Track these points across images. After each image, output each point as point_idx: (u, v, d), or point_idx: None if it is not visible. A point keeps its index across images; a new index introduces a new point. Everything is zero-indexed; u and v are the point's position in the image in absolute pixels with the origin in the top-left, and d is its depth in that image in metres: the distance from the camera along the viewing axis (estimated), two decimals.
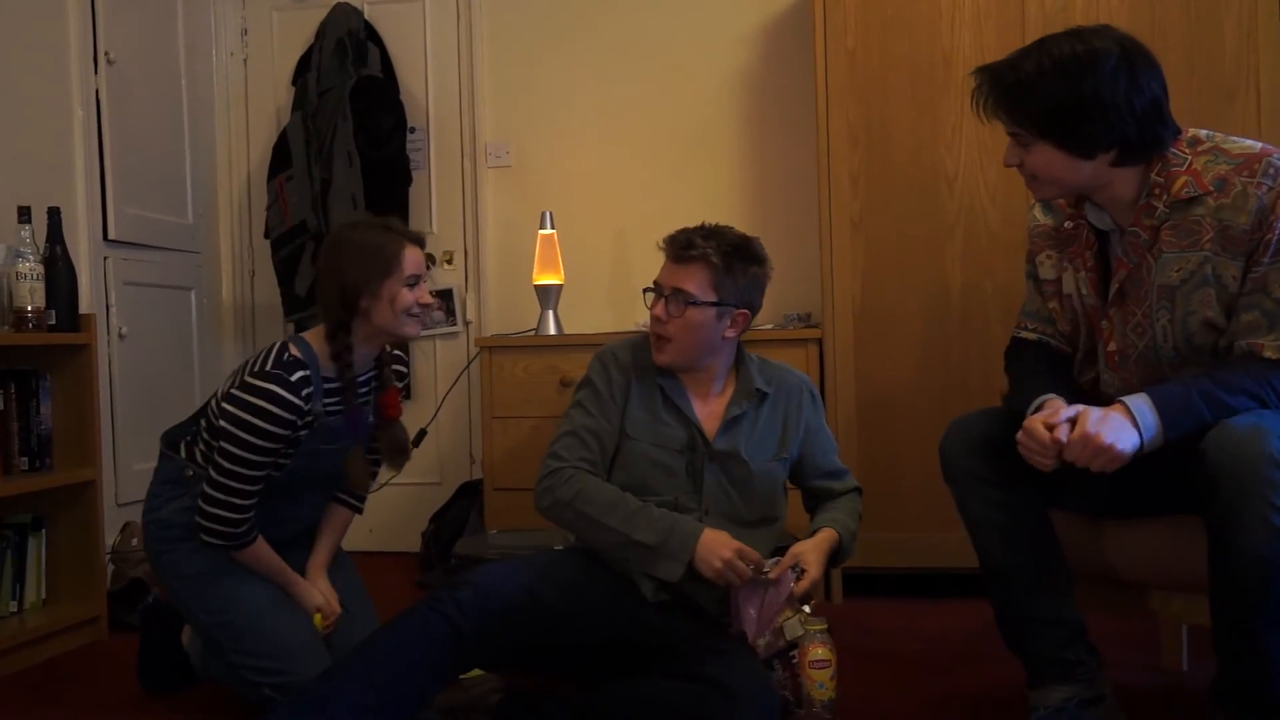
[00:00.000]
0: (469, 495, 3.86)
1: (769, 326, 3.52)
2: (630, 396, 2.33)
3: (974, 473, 2.03)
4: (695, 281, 2.27)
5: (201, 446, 2.36)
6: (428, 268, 4.10)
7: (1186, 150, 1.89)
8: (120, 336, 3.74)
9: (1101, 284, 2.01)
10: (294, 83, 4.20)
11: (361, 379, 2.39)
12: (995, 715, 2.31)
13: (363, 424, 2.35)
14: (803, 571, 2.20)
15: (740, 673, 2.04)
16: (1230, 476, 1.71)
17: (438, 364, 4.23)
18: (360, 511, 2.60)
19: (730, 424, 2.32)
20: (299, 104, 4.12)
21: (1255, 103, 3.06)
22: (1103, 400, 2.00)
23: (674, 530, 2.18)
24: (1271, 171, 1.83)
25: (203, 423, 2.37)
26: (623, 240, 4.05)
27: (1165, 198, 1.89)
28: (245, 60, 4.39)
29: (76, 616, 3.06)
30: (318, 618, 2.40)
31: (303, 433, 2.27)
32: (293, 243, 4.03)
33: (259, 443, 2.21)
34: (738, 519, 2.30)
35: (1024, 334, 2.17)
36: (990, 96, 1.92)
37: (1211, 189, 1.86)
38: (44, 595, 3.12)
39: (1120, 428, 1.79)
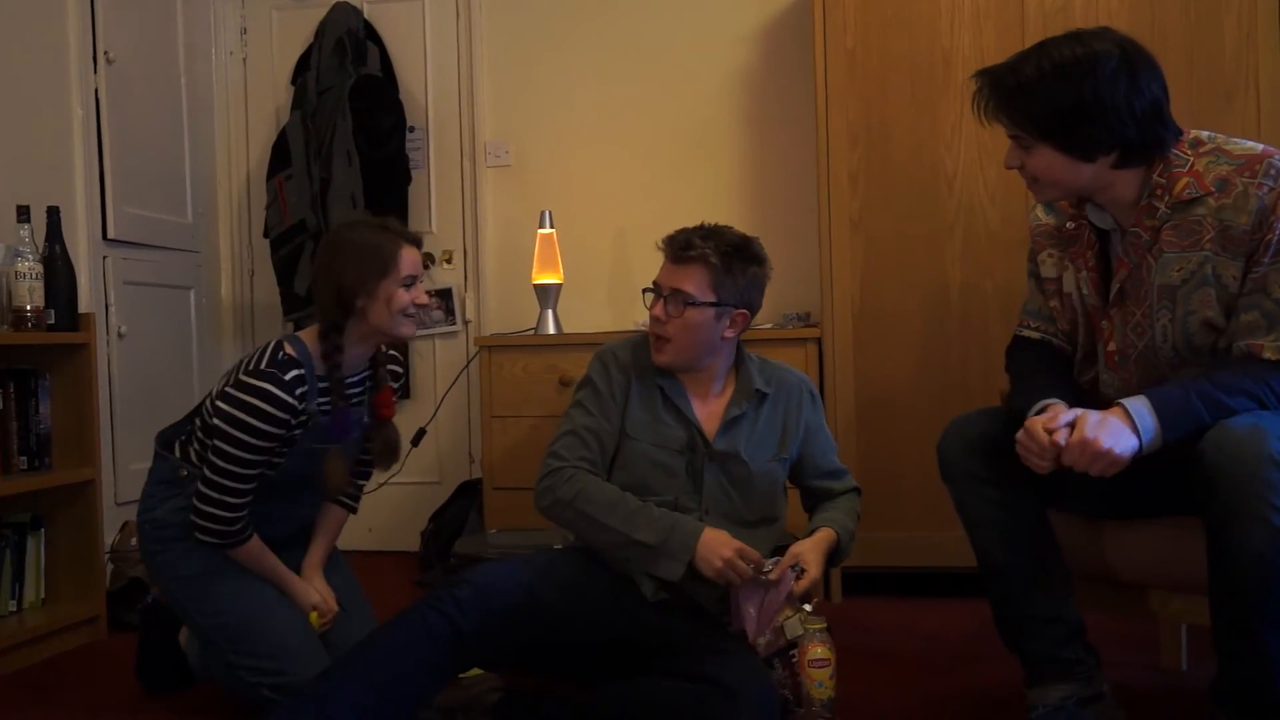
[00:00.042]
0: (468, 494, 3.86)
1: (768, 326, 3.53)
2: (630, 396, 2.33)
3: (972, 472, 2.03)
4: (694, 282, 2.26)
5: (196, 446, 2.36)
6: (426, 267, 4.15)
7: (1188, 152, 1.90)
8: (119, 336, 3.74)
9: (1102, 284, 2.02)
10: (293, 82, 4.20)
11: (356, 379, 2.39)
12: (994, 714, 2.31)
13: (349, 425, 2.34)
14: (802, 571, 2.20)
15: (740, 672, 2.04)
16: (1229, 477, 1.71)
17: (437, 363, 4.23)
18: (354, 511, 2.60)
19: (730, 424, 2.32)
20: (298, 103, 4.12)
21: (1255, 102, 3.06)
22: (1102, 400, 2.01)
23: (674, 530, 2.18)
24: (1273, 172, 1.83)
25: (197, 422, 2.37)
26: (622, 239, 4.05)
27: (1167, 199, 1.89)
28: (244, 59, 4.39)
29: (76, 616, 3.06)
30: (314, 615, 2.40)
31: (297, 432, 2.27)
32: (292, 242, 4.03)
33: (253, 441, 2.21)
34: (738, 519, 2.30)
35: (1026, 332, 2.18)
36: (991, 99, 1.92)
37: (1213, 189, 1.86)
38: (43, 595, 3.12)
39: (1118, 432, 1.79)
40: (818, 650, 2.14)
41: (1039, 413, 1.90)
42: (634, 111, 4.06)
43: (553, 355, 3.56)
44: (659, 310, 2.30)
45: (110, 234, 3.70)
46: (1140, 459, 1.81)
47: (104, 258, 3.69)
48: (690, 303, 2.26)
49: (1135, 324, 1.96)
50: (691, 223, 2.34)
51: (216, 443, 2.23)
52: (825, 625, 2.17)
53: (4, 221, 3.08)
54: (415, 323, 2.35)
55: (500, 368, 3.59)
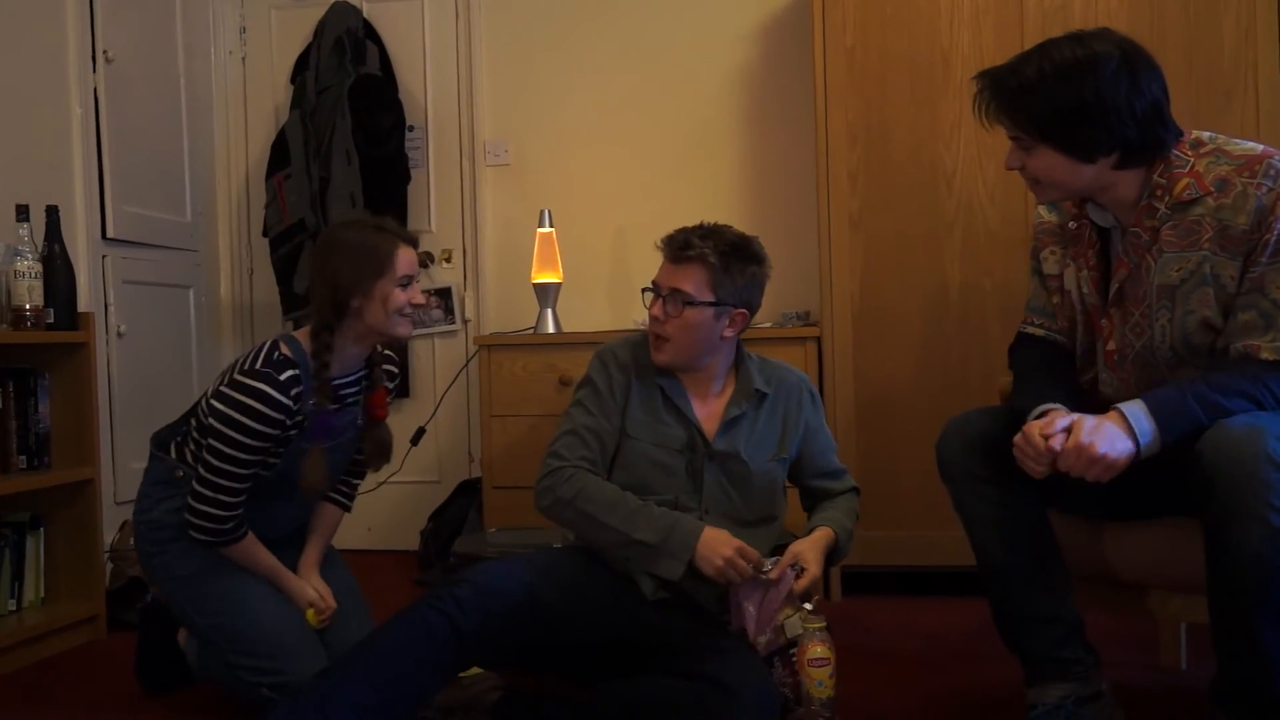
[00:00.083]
0: (468, 493, 3.86)
1: (768, 325, 3.53)
2: (630, 396, 2.33)
3: (971, 471, 2.03)
4: (693, 281, 2.26)
5: (192, 446, 2.35)
6: (425, 266, 4.17)
7: (1189, 152, 1.90)
8: (119, 335, 3.74)
9: (1103, 283, 2.02)
10: (292, 81, 4.20)
11: (352, 379, 2.39)
12: (994, 713, 2.31)
13: (332, 425, 2.32)
14: (802, 570, 2.20)
15: (740, 671, 2.05)
16: (1227, 477, 1.72)
17: (436, 362, 4.23)
18: (348, 509, 2.60)
19: (729, 424, 2.32)
20: (297, 102, 4.12)
21: (1254, 102, 3.07)
22: (1101, 399, 2.01)
23: (675, 529, 2.18)
24: (1272, 173, 1.83)
25: (193, 422, 2.37)
26: (621, 238, 4.05)
27: (1167, 199, 1.89)
28: (244, 59, 4.39)
29: (75, 615, 3.06)
30: (310, 613, 2.40)
31: (292, 432, 2.27)
32: (291, 241, 4.02)
33: (248, 441, 2.21)
34: (737, 518, 2.30)
35: (1030, 329, 2.18)
36: (992, 101, 1.92)
37: (1212, 190, 1.86)
38: (43, 594, 3.12)
39: (1114, 437, 1.79)
40: (817, 649, 2.14)
41: (1038, 417, 1.90)
42: (633, 111, 4.06)
43: (552, 354, 3.56)
44: (658, 310, 2.29)
45: (109, 233, 3.70)
46: (1139, 461, 1.81)
47: (103, 257, 3.69)
48: (689, 302, 2.26)
49: (1134, 323, 1.96)
50: (691, 222, 2.34)
51: (211, 442, 2.23)
52: (825, 624, 2.17)
53: (3, 221, 3.08)
54: (411, 322, 2.35)
55: (500, 367, 3.59)
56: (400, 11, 4.24)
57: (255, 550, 2.36)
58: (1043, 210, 2.14)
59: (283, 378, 2.21)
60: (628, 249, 4.04)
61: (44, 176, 3.42)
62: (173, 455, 2.39)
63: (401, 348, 2.44)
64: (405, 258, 2.31)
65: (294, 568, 2.45)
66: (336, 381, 2.34)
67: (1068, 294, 2.08)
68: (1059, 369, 2.09)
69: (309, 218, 3.98)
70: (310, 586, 2.44)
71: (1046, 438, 1.84)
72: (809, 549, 2.25)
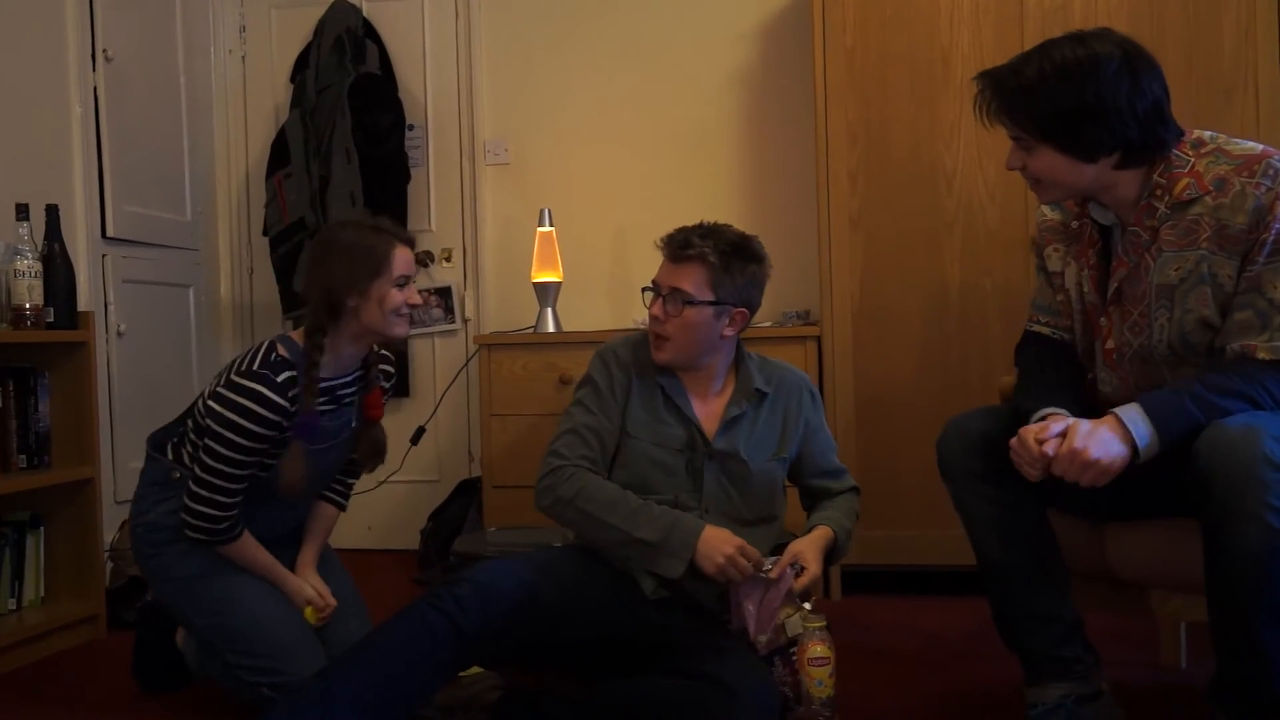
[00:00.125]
0: (468, 493, 3.86)
1: (768, 324, 3.53)
2: (631, 395, 2.33)
3: (971, 470, 2.03)
4: (692, 281, 2.26)
5: (188, 447, 2.35)
6: (425, 265, 4.17)
7: (1190, 152, 1.90)
8: (119, 334, 3.74)
9: (1102, 282, 2.02)
10: (292, 80, 4.20)
11: (350, 379, 2.39)
12: (993, 712, 2.31)
13: (325, 426, 2.30)
14: (802, 569, 2.20)
15: (739, 670, 2.05)
16: (1224, 477, 1.72)
17: (436, 361, 4.23)
18: (343, 508, 2.60)
19: (729, 424, 2.32)
20: (297, 101, 4.12)
21: (1254, 101, 3.07)
22: (1100, 399, 2.01)
23: (675, 527, 2.18)
24: (1271, 172, 1.83)
25: (189, 423, 2.36)
26: (621, 238, 4.05)
27: (1167, 199, 1.90)
28: (243, 58, 4.39)
29: (75, 614, 3.06)
30: (309, 611, 2.40)
31: (289, 433, 2.27)
32: (291, 240, 4.02)
33: (244, 442, 2.21)
34: (737, 518, 2.30)
35: (1037, 328, 2.17)
36: (992, 101, 1.92)
37: (1211, 189, 1.86)
38: (42, 593, 3.12)
39: (1108, 442, 1.79)
40: (817, 648, 2.14)
41: (1040, 420, 1.90)
42: (633, 110, 4.06)
43: (552, 353, 3.56)
44: (658, 309, 2.30)
45: (109, 232, 3.70)
46: (1138, 464, 1.81)
47: (103, 256, 3.69)
48: (689, 301, 2.26)
49: (1132, 322, 1.96)
50: (691, 221, 2.34)
51: (208, 442, 2.23)
52: (825, 623, 2.17)
53: (3, 220, 3.08)
54: (408, 323, 2.34)
55: (499, 366, 3.59)
56: (400, 10, 4.24)
57: (252, 550, 2.36)
58: (1046, 208, 2.14)
59: (280, 379, 2.21)
60: (628, 248, 4.04)
61: (44, 175, 3.42)
62: (169, 456, 2.39)
63: (401, 347, 2.43)
64: (402, 258, 2.30)
65: (291, 567, 2.45)
66: (333, 382, 2.34)
67: (1069, 292, 2.08)
68: (1065, 370, 2.08)
69: (309, 216, 3.98)
70: (308, 585, 2.43)
71: (1041, 442, 1.84)
72: (808, 548, 2.25)
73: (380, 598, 2.91)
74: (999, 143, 2.07)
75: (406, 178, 4.13)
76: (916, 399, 3.25)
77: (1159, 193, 1.90)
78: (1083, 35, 1.88)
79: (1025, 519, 2.03)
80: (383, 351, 2.48)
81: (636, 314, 3.75)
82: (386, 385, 2.50)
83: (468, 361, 4.07)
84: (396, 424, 3.99)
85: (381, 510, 4.16)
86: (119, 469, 3.66)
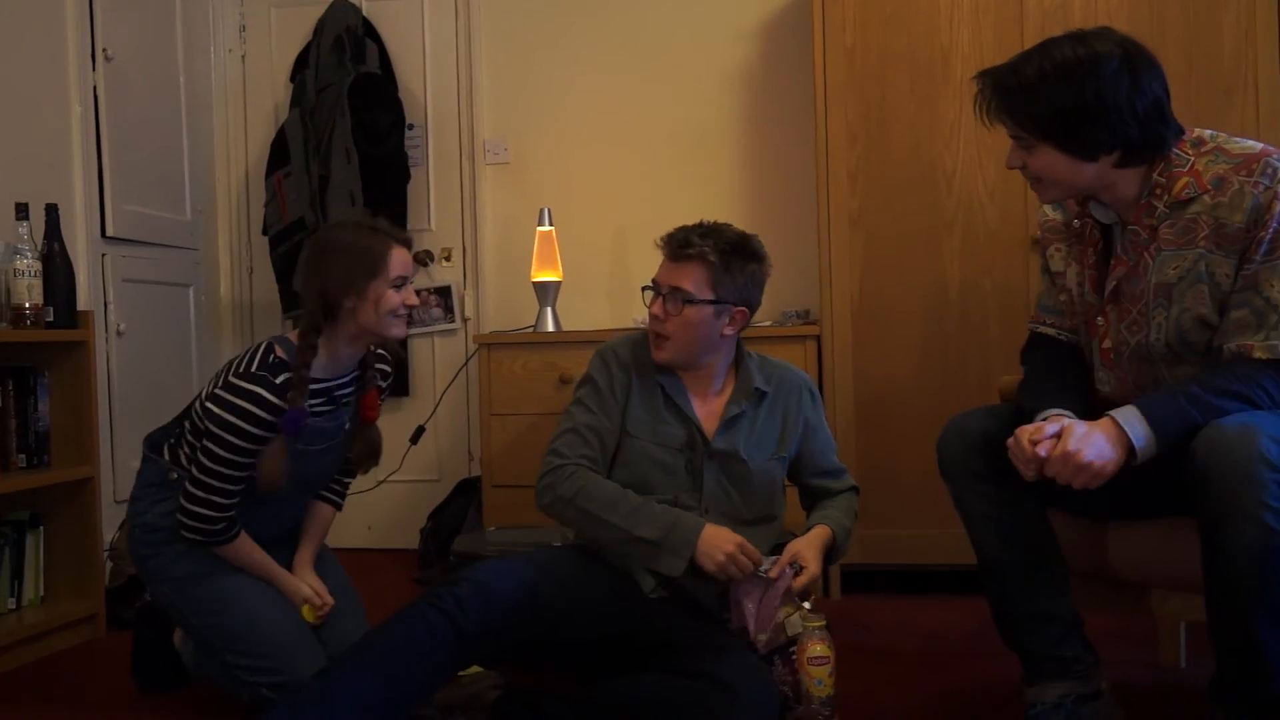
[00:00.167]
0: (467, 492, 3.86)
1: (767, 323, 3.52)
2: (631, 394, 2.33)
3: (971, 470, 2.03)
4: (693, 280, 2.26)
5: (185, 448, 2.35)
6: (425, 264, 4.17)
7: (1190, 151, 1.90)
8: (118, 333, 3.74)
9: (1101, 281, 2.02)
10: (292, 79, 4.20)
11: (347, 379, 2.39)
12: (993, 712, 2.31)
13: (301, 421, 2.26)
14: (801, 568, 2.20)
15: (739, 669, 2.05)
16: (1221, 477, 1.72)
17: (436, 361, 4.23)
18: (339, 508, 2.60)
19: (729, 423, 2.32)
20: (297, 100, 4.12)
21: (1254, 100, 3.07)
22: (1100, 399, 2.01)
23: (676, 525, 2.18)
24: (1269, 171, 1.83)
25: (186, 424, 2.36)
26: (621, 237, 4.05)
27: (1166, 198, 1.90)
28: (243, 57, 4.38)
29: (74, 614, 3.06)
30: (306, 609, 2.40)
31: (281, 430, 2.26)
32: (290, 239, 4.02)
33: (241, 444, 2.20)
34: (737, 517, 2.30)
35: (1042, 329, 2.17)
36: (992, 100, 1.92)
37: (1209, 188, 1.86)
38: (42, 592, 3.11)
39: (1103, 446, 1.80)
40: (817, 648, 2.14)
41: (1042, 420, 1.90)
42: (633, 109, 4.05)
43: (552, 353, 3.56)
44: (658, 308, 2.29)
45: (109, 231, 3.70)
46: (1136, 465, 1.81)
47: (103, 255, 3.69)
48: (689, 300, 2.26)
49: (1131, 321, 1.96)
50: (691, 220, 2.33)
51: (206, 444, 2.23)
52: (824, 623, 2.17)
53: (3, 219, 3.08)
54: (406, 324, 2.34)
55: (499, 365, 3.59)
56: (400, 10, 4.24)
57: (248, 550, 2.36)
58: (1048, 209, 2.14)
59: (278, 381, 2.21)
60: (627, 247, 4.04)
61: (43, 175, 3.41)
62: (166, 457, 2.39)
63: (401, 346, 2.42)
64: (399, 258, 2.30)
65: (288, 567, 2.45)
66: (331, 383, 2.34)
67: (1071, 292, 2.08)
68: (1070, 371, 2.08)
69: (309, 216, 3.98)
70: (305, 584, 2.43)
71: (1035, 443, 1.84)
72: (807, 547, 2.25)
73: (380, 597, 2.91)
74: (999, 142, 2.07)
75: (406, 177, 4.13)
76: (916, 398, 3.25)
77: (1158, 191, 1.90)
78: (1083, 34, 1.88)
79: (1025, 518, 2.02)
80: (380, 351, 2.47)
81: (636, 313, 3.75)
82: (383, 385, 2.49)
83: (467, 361, 4.07)
84: (396, 423, 4.01)
85: (381, 509, 4.16)
86: (119, 468, 3.65)
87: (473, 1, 4.18)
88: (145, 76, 3.91)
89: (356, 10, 4.14)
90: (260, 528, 2.38)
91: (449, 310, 4.20)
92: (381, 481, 3.99)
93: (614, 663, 2.16)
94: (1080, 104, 1.83)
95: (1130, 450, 1.81)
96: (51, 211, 3.09)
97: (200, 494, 2.25)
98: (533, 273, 3.77)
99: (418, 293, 2.37)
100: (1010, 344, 3.02)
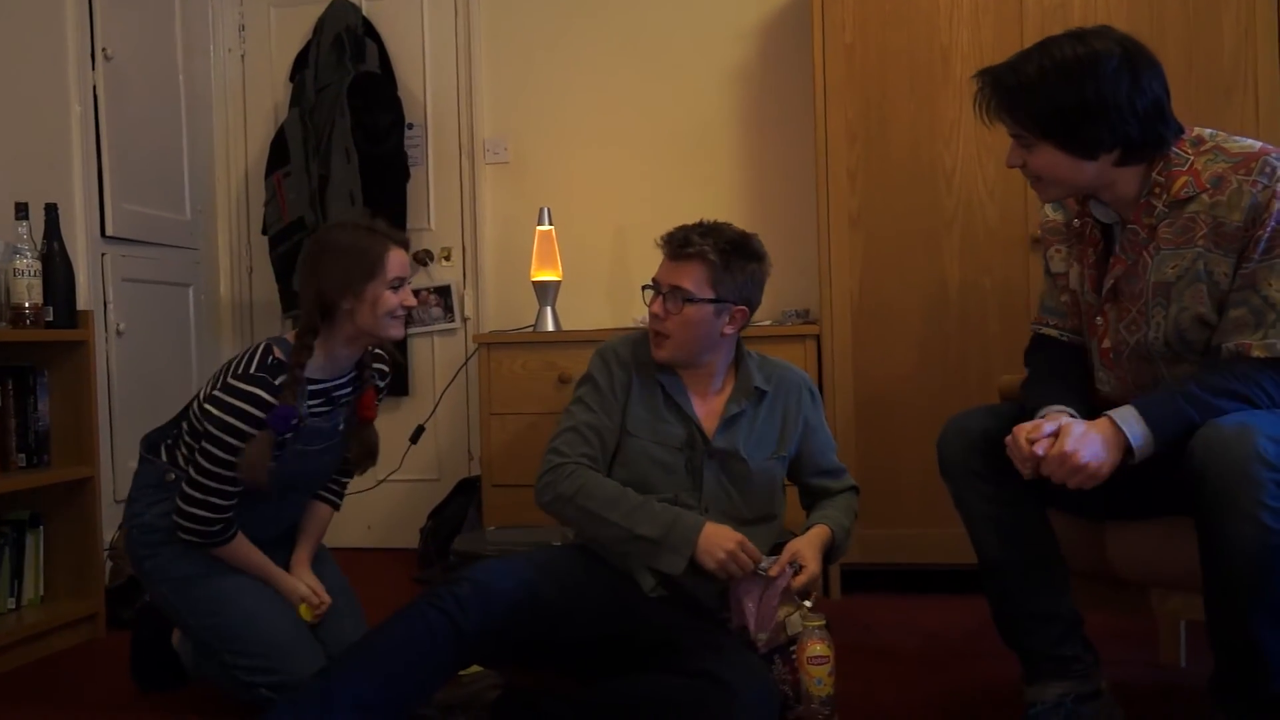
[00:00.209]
0: (467, 491, 3.86)
1: (767, 323, 3.52)
2: (631, 393, 2.33)
3: (971, 469, 2.03)
4: (693, 279, 2.26)
5: (183, 449, 2.34)
6: (425, 264, 4.17)
7: (1189, 150, 1.90)
8: (118, 333, 3.74)
9: (1100, 281, 2.02)
10: (291, 79, 4.20)
11: (345, 380, 2.39)
12: (993, 711, 2.31)
13: (290, 419, 2.24)
14: (800, 567, 2.20)
15: (738, 668, 2.04)
16: (1218, 476, 1.72)
17: (436, 360, 4.23)
18: (337, 508, 2.60)
19: (729, 422, 2.32)
20: (296, 100, 4.12)
21: (1253, 99, 3.07)
22: (1100, 399, 2.00)
23: (676, 523, 2.18)
24: (1268, 170, 1.83)
25: (184, 425, 2.36)
26: (621, 236, 4.05)
27: (1165, 197, 1.90)
28: (243, 56, 4.38)
29: (74, 613, 3.06)
30: (304, 608, 2.40)
31: (287, 435, 2.26)
32: (290, 239, 4.02)
33: (240, 445, 2.20)
34: (737, 516, 2.30)
35: (1045, 330, 2.17)
36: (992, 99, 1.92)
37: (1208, 186, 1.86)
38: (42, 592, 3.12)
39: (1100, 447, 1.79)
40: (817, 647, 2.14)
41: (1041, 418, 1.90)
42: (632, 109, 4.05)
43: (551, 352, 3.56)
44: (658, 307, 2.29)
45: (108, 231, 3.70)
46: (1134, 464, 1.81)
47: (102, 255, 3.69)
48: (689, 299, 2.26)
49: (1130, 320, 1.96)
50: (690, 220, 2.33)
51: (204, 445, 2.22)
52: (824, 622, 2.17)
53: (2, 219, 3.08)
54: (403, 325, 2.34)
55: (499, 365, 3.59)
56: (399, 9, 4.24)
57: (246, 550, 2.36)
58: (1048, 209, 2.14)
59: (277, 382, 2.21)
60: (627, 247, 4.03)
61: (43, 174, 3.41)
62: (163, 458, 2.39)
63: (398, 347, 2.42)
64: (396, 259, 2.29)
65: (286, 567, 2.45)
66: (328, 383, 2.34)
67: (1074, 292, 2.08)
68: (1072, 371, 2.08)
69: (308, 215, 3.98)
70: (302, 583, 2.43)
71: (1032, 441, 1.84)
72: (806, 547, 2.25)
73: (380, 597, 2.91)
74: (999, 141, 2.07)
75: (406, 177, 4.13)
76: (916, 397, 3.25)
77: (1158, 190, 1.90)
78: (1082, 33, 1.88)
79: (1025, 518, 2.02)
80: (377, 351, 2.47)
81: (636, 312, 3.75)
82: (381, 385, 2.49)
83: (467, 360, 4.07)
84: (396, 422, 4.01)
85: (381, 509, 4.16)
86: (118, 468, 3.65)
87: (472, 1, 4.17)
88: (145, 76, 3.91)
89: (356, 10, 4.14)
90: (258, 528, 2.38)
91: (449, 310, 4.20)
92: (381, 481, 3.99)
93: (614, 662, 2.15)
94: (1080, 102, 1.83)
95: (1127, 450, 1.81)
96: (51, 211, 3.09)
97: (198, 495, 2.24)
98: (532, 272, 3.77)
99: (417, 292, 2.38)
100: (1010, 343, 3.04)
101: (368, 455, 2.48)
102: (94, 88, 3.64)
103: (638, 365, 2.35)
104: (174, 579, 2.35)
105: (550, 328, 3.69)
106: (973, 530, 2.06)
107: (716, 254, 2.26)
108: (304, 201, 3.99)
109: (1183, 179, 1.88)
